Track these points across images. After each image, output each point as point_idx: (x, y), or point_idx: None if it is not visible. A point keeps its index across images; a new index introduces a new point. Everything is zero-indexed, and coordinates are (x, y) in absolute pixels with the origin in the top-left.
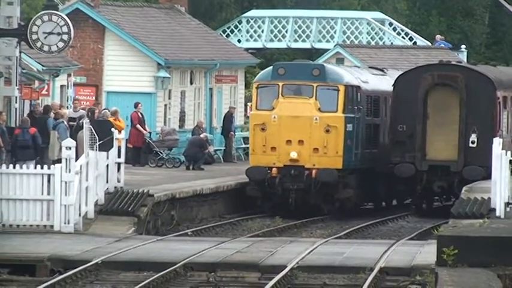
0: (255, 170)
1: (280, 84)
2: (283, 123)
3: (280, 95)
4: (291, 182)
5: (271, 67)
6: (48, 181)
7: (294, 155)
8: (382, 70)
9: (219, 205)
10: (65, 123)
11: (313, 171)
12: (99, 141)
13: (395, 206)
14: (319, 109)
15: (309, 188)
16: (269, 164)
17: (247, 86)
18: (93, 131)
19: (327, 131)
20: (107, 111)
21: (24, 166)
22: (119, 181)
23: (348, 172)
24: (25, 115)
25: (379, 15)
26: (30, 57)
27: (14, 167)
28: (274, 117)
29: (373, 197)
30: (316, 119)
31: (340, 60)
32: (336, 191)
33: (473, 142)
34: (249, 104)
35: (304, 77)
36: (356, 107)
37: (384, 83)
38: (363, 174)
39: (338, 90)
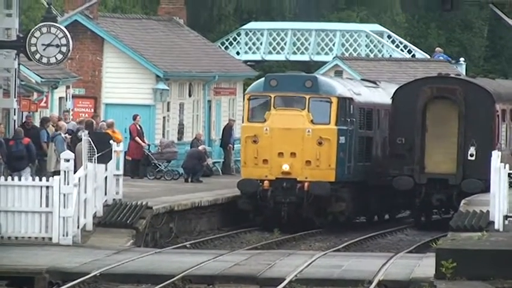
0: (246, 182)
1: (272, 96)
2: (275, 136)
3: (272, 107)
4: (283, 195)
5: (263, 78)
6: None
7: (286, 167)
8: (374, 82)
9: (217, 217)
10: (62, 135)
11: (306, 184)
12: (97, 153)
13: (387, 220)
14: (311, 121)
15: (301, 201)
16: (261, 177)
17: None
18: (92, 143)
19: (320, 143)
20: (104, 123)
21: (22, 178)
22: (117, 193)
23: (341, 185)
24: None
25: (377, 27)
26: (28, 69)
27: (12, 179)
28: (266, 129)
29: (366, 211)
30: (308, 131)
31: (338, 73)
32: (328, 205)
33: (471, 155)
34: None
35: (297, 89)
36: (349, 119)
37: (376, 95)
38: (356, 187)
39: (331, 102)
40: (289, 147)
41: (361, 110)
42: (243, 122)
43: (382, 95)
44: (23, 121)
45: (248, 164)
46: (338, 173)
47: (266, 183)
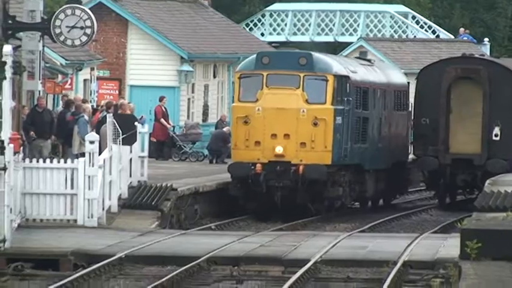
0: (237, 166)
1: (265, 74)
2: (268, 116)
3: (264, 86)
4: (277, 179)
5: (254, 55)
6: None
7: (279, 150)
8: (369, 61)
9: None
10: (86, 117)
11: (300, 168)
12: (122, 135)
13: (382, 206)
14: (306, 101)
15: (295, 185)
16: (253, 160)
17: None
18: (116, 125)
19: (315, 124)
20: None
21: (47, 160)
22: (142, 175)
23: (337, 168)
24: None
25: (402, 8)
26: (53, 51)
27: (37, 161)
28: (258, 109)
29: (362, 196)
30: (303, 111)
31: (363, 54)
32: (324, 189)
33: (496, 135)
34: None
35: (290, 67)
36: (345, 99)
37: (372, 74)
38: (352, 170)
39: (327, 80)
40: (283, 128)
41: (357, 89)
42: (233, 101)
43: (377, 73)
44: (35, 103)
45: (239, 147)
46: (334, 156)
47: (258, 166)
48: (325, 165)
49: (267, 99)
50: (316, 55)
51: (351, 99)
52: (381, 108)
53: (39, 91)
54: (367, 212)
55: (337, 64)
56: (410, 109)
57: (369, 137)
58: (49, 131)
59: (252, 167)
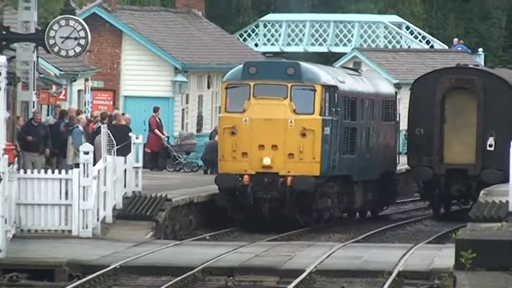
0: (224, 177)
1: (252, 84)
2: (255, 127)
3: (251, 96)
4: (264, 190)
5: (241, 65)
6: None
7: (267, 161)
8: (356, 70)
9: None
10: (80, 128)
11: (288, 179)
12: (116, 145)
13: (370, 218)
14: (294, 111)
15: (283, 197)
16: (240, 171)
17: None
18: (111, 135)
19: (303, 134)
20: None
21: (41, 171)
22: (137, 186)
23: (326, 180)
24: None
25: (396, 18)
26: (47, 61)
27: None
28: (245, 120)
29: (350, 208)
30: (291, 121)
31: (357, 64)
32: (313, 201)
33: (490, 145)
34: None
35: (278, 76)
36: (334, 109)
37: (360, 83)
38: (341, 182)
39: (315, 90)
40: (270, 139)
41: (345, 99)
42: (219, 112)
43: (365, 83)
44: (30, 117)
45: (226, 158)
46: (323, 167)
47: (246, 178)
48: (314, 177)
49: (254, 110)
50: (304, 65)
51: (339, 109)
52: (369, 118)
53: (34, 102)
54: (361, 222)
55: (325, 74)
56: (398, 119)
57: (357, 148)
58: (44, 145)
59: (240, 179)
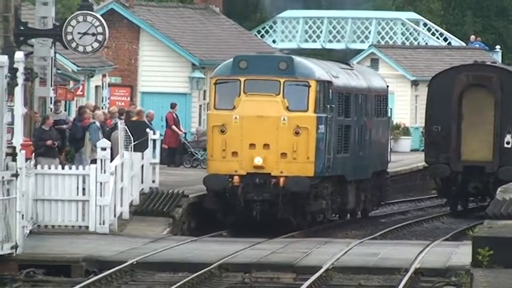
0: (213, 178)
1: (242, 79)
2: (246, 125)
3: (242, 92)
4: (256, 192)
5: (231, 60)
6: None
7: (258, 161)
8: (348, 64)
9: None
10: (97, 124)
11: (281, 180)
12: (133, 141)
13: (361, 218)
14: (287, 108)
15: (276, 199)
16: (230, 172)
17: None
18: (128, 131)
19: (297, 133)
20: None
21: (59, 166)
22: (154, 182)
23: (320, 180)
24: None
25: (413, 15)
26: (65, 57)
27: (49, 167)
28: (236, 117)
29: (343, 209)
30: (283, 119)
31: (374, 61)
32: (307, 203)
33: (508, 143)
34: None
35: (270, 71)
36: (328, 106)
37: (353, 78)
38: (335, 182)
39: (309, 86)
40: (262, 137)
41: (339, 95)
42: (208, 109)
43: (358, 78)
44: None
45: (215, 157)
46: (317, 167)
47: (236, 178)
48: (308, 178)
49: (244, 107)
50: (297, 59)
51: (333, 106)
52: (362, 115)
53: (51, 97)
54: (377, 219)
55: (319, 69)
56: (389, 115)
57: (350, 146)
58: (57, 150)
59: (229, 180)
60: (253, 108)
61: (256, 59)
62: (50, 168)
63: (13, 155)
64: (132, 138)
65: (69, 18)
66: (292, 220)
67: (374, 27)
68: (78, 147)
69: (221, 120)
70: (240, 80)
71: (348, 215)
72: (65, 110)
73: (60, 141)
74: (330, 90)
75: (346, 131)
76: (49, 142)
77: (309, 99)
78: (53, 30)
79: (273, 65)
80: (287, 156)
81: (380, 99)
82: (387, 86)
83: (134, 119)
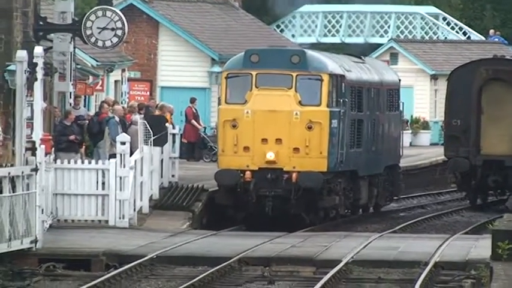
0: (225, 173)
1: (254, 73)
2: (258, 119)
3: (253, 86)
4: (268, 187)
5: (242, 53)
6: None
7: (270, 156)
8: (360, 57)
9: None
10: (116, 118)
11: (294, 175)
12: (153, 136)
13: (373, 213)
14: (299, 102)
15: (288, 194)
16: (241, 167)
17: None
18: (147, 126)
19: (309, 127)
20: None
21: (78, 161)
22: (173, 176)
23: (333, 176)
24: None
25: (433, 9)
26: (84, 52)
27: (69, 162)
28: (247, 112)
29: (354, 204)
30: (296, 113)
31: (393, 55)
32: (320, 198)
33: None
34: None
35: (282, 65)
36: (341, 100)
37: (365, 72)
38: (348, 178)
39: (322, 80)
40: (274, 132)
41: (352, 89)
42: (219, 103)
43: (370, 72)
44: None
45: (227, 153)
46: (330, 162)
47: (248, 174)
48: (321, 173)
49: (256, 101)
50: (310, 53)
51: (346, 100)
52: (374, 109)
53: (71, 93)
54: (397, 213)
55: (331, 63)
56: (401, 109)
57: (363, 141)
58: (77, 146)
59: (241, 175)
60: (265, 103)
61: (268, 53)
62: (69, 163)
63: (33, 149)
64: (151, 133)
65: (89, 13)
66: (304, 216)
67: (393, 21)
68: (95, 142)
69: (232, 114)
70: (251, 74)
71: (360, 211)
72: (84, 106)
73: (81, 136)
74: (343, 84)
75: (359, 125)
76: (72, 137)
77: (321, 94)
78: (72, 25)
79: (285, 59)
80: (300, 151)
81: (392, 93)
82: (399, 80)
83: (157, 113)
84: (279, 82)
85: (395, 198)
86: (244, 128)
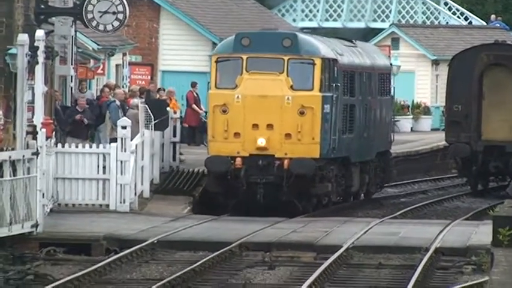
0: (215, 160)
1: (244, 57)
2: (249, 104)
3: (244, 71)
4: (259, 174)
5: (232, 37)
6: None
7: (261, 142)
8: (351, 41)
9: None
10: (117, 102)
11: (285, 162)
12: (154, 120)
13: (364, 200)
14: (291, 87)
15: (280, 181)
16: (232, 153)
17: None
18: (148, 110)
19: (302, 113)
20: (163, 92)
21: (79, 145)
22: (174, 160)
23: (326, 162)
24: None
25: None
26: (85, 36)
27: (70, 146)
28: (238, 96)
29: (346, 191)
30: (288, 98)
31: (395, 40)
32: (312, 185)
33: None
34: None
35: (273, 49)
36: (333, 84)
37: (357, 56)
38: (340, 164)
39: (314, 64)
40: (266, 117)
41: (344, 73)
42: (209, 88)
43: (362, 56)
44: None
45: (217, 138)
46: (323, 148)
47: (238, 160)
48: (313, 159)
49: (247, 86)
50: (302, 36)
51: (339, 84)
52: (366, 93)
53: (72, 76)
54: (398, 198)
55: (324, 46)
56: (392, 93)
57: (355, 127)
58: (86, 132)
59: (232, 161)
60: (256, 87)
61: (259, 36)
62: (70, 147)
63: (34, 133)
64: (152, 117)
65: None
66: (296, 203)
67: (395, 6)
68: (96, 125)
69: (222, 99)
70: (242, 58)
71: (352, 198)
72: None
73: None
74: (335, 69)
75: (351, 110)
76: (77, 116)
77: (314, 78)
78: (74, 9)
79: (277, 42)
80: (291, 137)
81: (384, 77)
82: (390, 64)
83: (165, 97)
84: (270, 66)
85: (385, 185)
86: (235, 114)
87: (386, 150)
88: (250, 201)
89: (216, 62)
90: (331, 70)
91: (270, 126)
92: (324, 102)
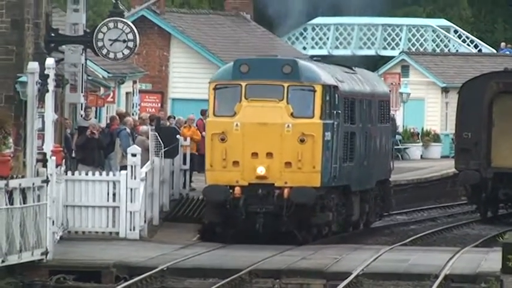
0: (213, 189)
1: (243, 84)
2: (248, 132)
3: (243, 98)
4: (258, 203)
5: (231, 63)
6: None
7: (261, 170)
8: (351, 68)
9: None
10: (128, 130)
11: (285, 191)
12: (164, 148)
13: (364, 231)
14: (291, 114)
15: (280, 211)
16: (231, 182)
17: None
18: (159, 137)
19: (302, 140)
20: (180, 118)
21: (89, 173)
22: (184, 188)
23: (326, 191)
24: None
25: (444, 22)
26: (95, 64)
27: (80, 173)
28: (237, 124)
29: (346, 220)
30: (288, 126)
31: (405, 68)
32: (313, 215)
33: None
34: None
35: (273, 76)
36: (334, 112)
37: (357, 83)
38: (341, 193)
39: (314, 91)
40: (265, 146)
41: (345, 100)
42: (207, 116)
43: (362, 82)
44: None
45: (215, 167)
46: (324, 177)
47: (237, 190)
48: (314, 188)
49: (246, 113)
50: (302, 62)
51: (339, 112)
52: (366, 121)
53: (82, 104)
54: (407, 225)
55: (324, 73)
56: (393, 120)
57: (356, 155)
58: (98, 159)
59: (230, 191)
60: (255, 115)
61: (258, 63)
62: (80, 174)
63: (44, 161)
64: (162, 145)
65: (100, 24)
66: (297, 233)
67: (404, 34)
68: (107, 153)
69: (221, 127)
70: (241, 85)
71: (351, 228)
72: (95, 117)
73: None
74: (336, 95)
75: (351, 138)
76: (88, 132)
77: (314, 105)
78: (84, 37)
79: (277, 69)
80: (292, 165)
81: (383, 104)
82: (389, 91)
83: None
84: (269, 93)
85: (385, 214)
86: (234, 142)
87: (386, 179)
88: (249, 231)
89: (214, 89)
90: (331, 97)
91: (269, 155)
92: (325, 130)
